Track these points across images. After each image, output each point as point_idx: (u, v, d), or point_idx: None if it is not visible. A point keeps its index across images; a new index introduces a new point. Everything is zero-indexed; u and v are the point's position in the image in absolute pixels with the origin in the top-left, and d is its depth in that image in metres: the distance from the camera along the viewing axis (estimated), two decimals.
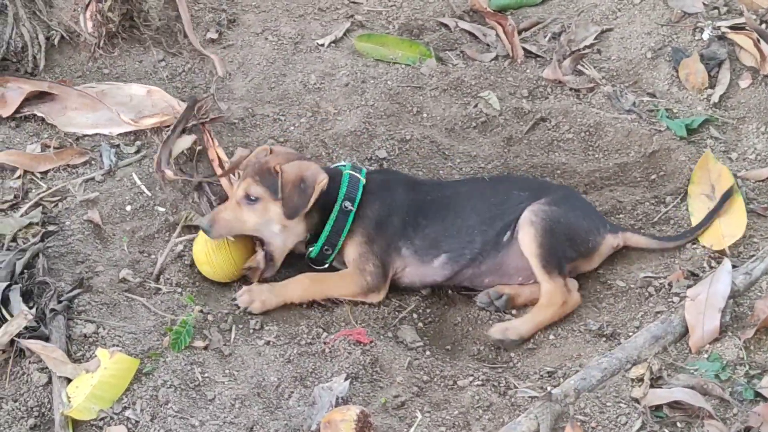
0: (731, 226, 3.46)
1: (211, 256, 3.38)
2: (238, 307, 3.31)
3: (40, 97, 3.90)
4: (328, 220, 3.36)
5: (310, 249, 3.41)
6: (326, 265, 3.46)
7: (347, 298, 3.38)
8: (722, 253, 3.39)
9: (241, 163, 3.52)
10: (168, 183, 3.63)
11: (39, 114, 3.85)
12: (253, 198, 3.32)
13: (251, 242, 3.44)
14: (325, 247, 3.39)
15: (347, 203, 3.35)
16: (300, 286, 3.35)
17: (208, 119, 3.80)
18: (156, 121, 3.82)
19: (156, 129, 3.83)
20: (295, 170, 3.30)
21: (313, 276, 3.40)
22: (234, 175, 3.59)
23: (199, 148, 3.78)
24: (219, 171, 3.67)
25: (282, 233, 3.37)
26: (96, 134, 3.83)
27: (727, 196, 3.51)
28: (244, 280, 3.43)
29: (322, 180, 3.30)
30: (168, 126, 3.78)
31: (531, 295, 3.40)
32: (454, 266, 3.42)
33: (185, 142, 3.74)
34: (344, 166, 3.47)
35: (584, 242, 3.40)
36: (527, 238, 3.34)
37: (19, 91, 3.87)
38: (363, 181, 3.40)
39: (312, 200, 3.30)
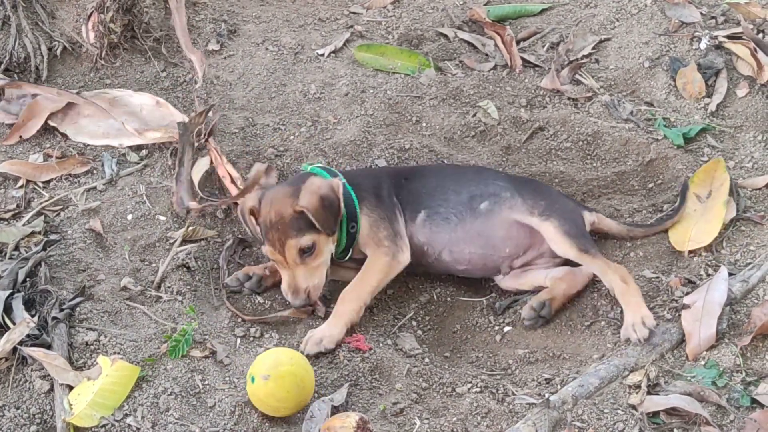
0: (701, 233, 3.49)
1: (279, 396, 2.97)
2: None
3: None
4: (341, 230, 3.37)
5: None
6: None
7: (388, 277, 3.34)
8: (682, 255, 3.46)
9: (259, 179, 3.51)
10: (197, 216, 3.61)
11: (51, 123, 3.87)
12: (308, 248, 3.27)
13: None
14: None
15: (353, 224, 3.38)
16: (348, 304, 3.27)
17: (207, 136, 3.80)
18: (160, 135, 3.84)
19: (159, 145, 3.84)
20: (310, 197, 3.28)
21: (349, 287, 3.34)
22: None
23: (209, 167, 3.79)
24: (231, 187, 3.66)
25: (330, 252, 3.37)
26: (103, 145, 3.85)
27: (685, 188, 3.61)
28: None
29: (338, 185, 3.34)
30: (172, 142, 3.79)
31: (565, 293, 3.41)
32: (432, 224, 3.42)
33: (203, 164, 3.72)
34: (313, 166, 3.50)
35: (580, 216, 3.48)
36: (551, 234, 3.37)
37: (48, 99, 3.88)
38: (353, 195, 3.40)
39: (342, 207, 3.33)
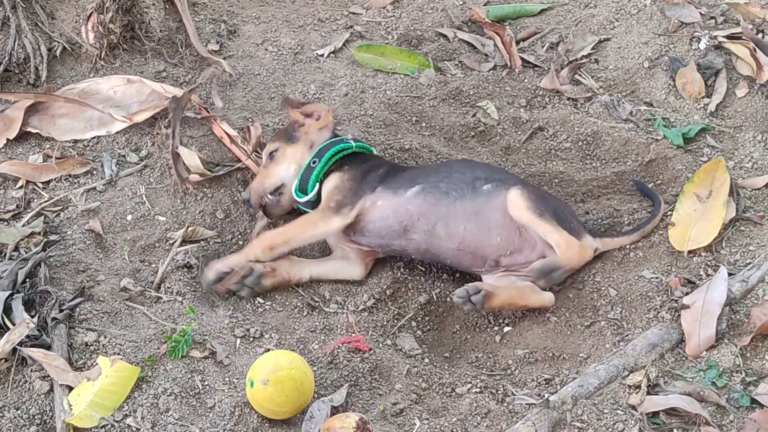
0: (701, 233, 3.49)
1: (278, 401, 2.96)
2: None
3: (27, 111, 3.90)
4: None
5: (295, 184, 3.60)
6: None
7: (307, 233, 3.48)
8: (681, 255, 3.45)
9: (259, 139, 3.77)
10: (197, 188, 3.66)
11: (33, 130, 3.87)
12: (273, 153, 3.62)
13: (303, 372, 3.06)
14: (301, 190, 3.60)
15: (315, 159, 3.57)
16: (259, 240, 3.48)
17: (200, 117, 3.85)
18: (149, 115, 3.85)
19: (151, 122, 3.85)
20: (305, 106, 3.71)
21: (275, 229, 3.56)
22: (258, 151, 3.74)
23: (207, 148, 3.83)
24: (232, 147, 3.78)
25: (296, 172, 3.60)
26: (95, 137, 3.85)
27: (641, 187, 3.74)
28: None
29: (329, 109, 3.67)
30: (161, 115, 3.82)
31: (509, 299, 3.36)
32: (427, 196, 3.45)
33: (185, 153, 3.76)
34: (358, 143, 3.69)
35: (567, 221, 3.44)
36: (517, 201, 3.39)
37: (14, 107, 3.88)
38: (350, 144, 3.61)
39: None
